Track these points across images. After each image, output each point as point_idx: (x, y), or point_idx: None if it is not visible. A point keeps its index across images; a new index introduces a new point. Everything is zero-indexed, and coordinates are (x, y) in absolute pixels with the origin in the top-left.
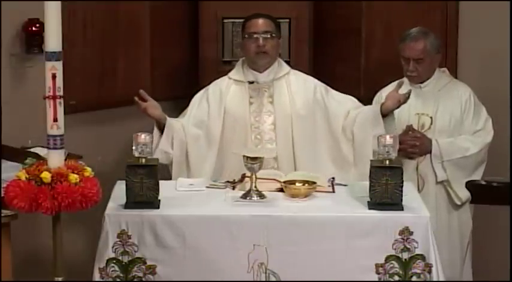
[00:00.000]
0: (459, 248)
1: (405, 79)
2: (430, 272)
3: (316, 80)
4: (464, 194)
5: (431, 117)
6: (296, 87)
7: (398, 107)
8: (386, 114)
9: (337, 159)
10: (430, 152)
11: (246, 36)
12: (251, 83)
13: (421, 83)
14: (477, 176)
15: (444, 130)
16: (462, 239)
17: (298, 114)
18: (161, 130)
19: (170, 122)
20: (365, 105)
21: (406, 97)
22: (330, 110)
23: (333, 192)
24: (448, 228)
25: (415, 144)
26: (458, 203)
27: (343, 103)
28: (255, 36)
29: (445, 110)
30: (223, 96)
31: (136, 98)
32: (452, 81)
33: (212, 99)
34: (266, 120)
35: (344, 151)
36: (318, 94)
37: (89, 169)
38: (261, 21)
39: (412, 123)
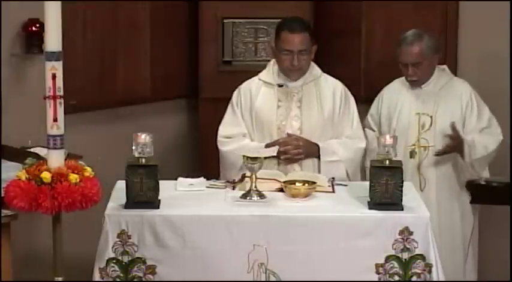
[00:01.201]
0: (461, 247)
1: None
2: (430, 272)
3: (343, 88)
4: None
5: (431, 117)
6: (325, 93)
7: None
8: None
9: None
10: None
11: (282, 51)
12: (280, 86)
13: (422, 83)
14: (486, 173)
15: (445, 130)
16: (464, 238)
17: (325, 120)
18: None
19: None
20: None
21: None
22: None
23: (333, 192)
24: (450, 228)
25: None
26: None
27: (342, 129)
28: (290, 54)
29: (445, 109)
30: (253, 99)
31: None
32: (452, 79)
33: (244, 105)
34: (293, 125)
35: None
36: (342, 102)
37: (89, 169)
38: (297, 39)
39: (412, 123)
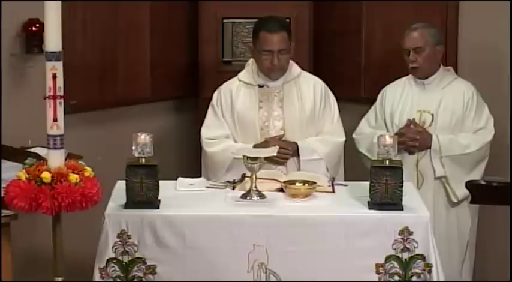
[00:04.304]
0: (458, 245)
1: (411, 76)
2: (430, 272)
3: (323, 85)
4: (461, 192)
5: (432, 115)
6: (306, 91)
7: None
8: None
9: None
10: (430, 147)
11: (262, 51)
12: (261, 86)
13: (426, 78)
14: (477, 173)
15: (445, 128)
16: (461, 236)
17: (307, 118)
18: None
19: None
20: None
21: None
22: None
23: (333, 192)
24: (447, 226)
25: (415, 138)
26: (455, 200)
27: (322, 126)
28: (270, 54)
29: (447, 107)
30: (234, 101)
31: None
32: (456, 79)
33: (224, 106)
34: (276, 125)
35: None
36: (322, 99)
37: (89, 169)
38: (276, 38)
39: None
